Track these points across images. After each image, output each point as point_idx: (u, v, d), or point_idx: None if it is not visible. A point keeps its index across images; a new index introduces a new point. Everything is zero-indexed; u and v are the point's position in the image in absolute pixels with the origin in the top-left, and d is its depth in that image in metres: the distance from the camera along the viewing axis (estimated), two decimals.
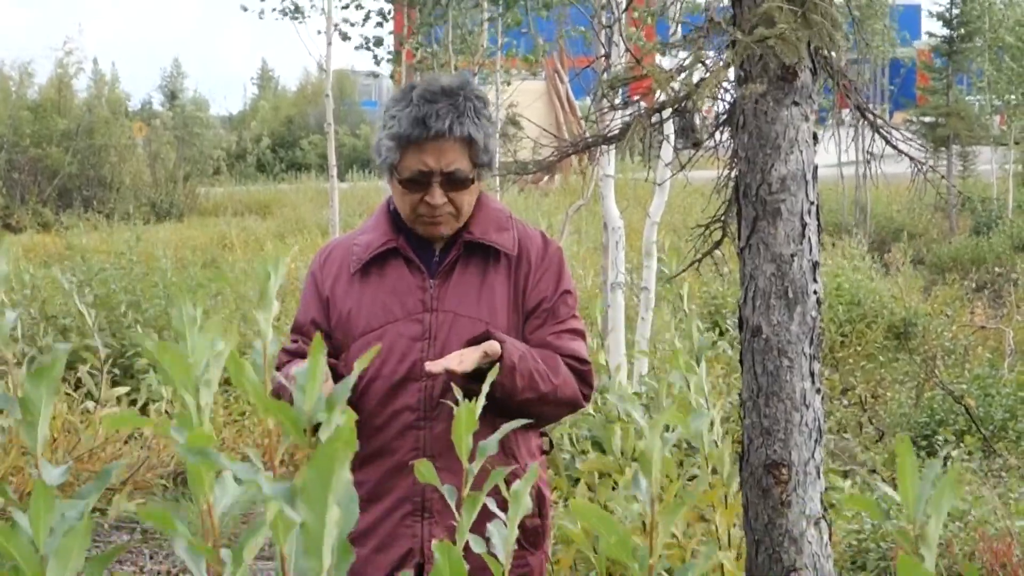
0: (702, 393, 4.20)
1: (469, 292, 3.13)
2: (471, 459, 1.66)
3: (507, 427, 1.77)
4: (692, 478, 4.87)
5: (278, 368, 3.18)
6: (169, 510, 1.08)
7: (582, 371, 3.14)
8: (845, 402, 8.98)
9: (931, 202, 19.00)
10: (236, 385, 1.21)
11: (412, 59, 11.89)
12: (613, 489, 4.73)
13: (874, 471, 6.83)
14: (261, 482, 0.99)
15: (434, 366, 2.90)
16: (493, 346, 2.96)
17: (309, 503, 0.91)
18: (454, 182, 3.07)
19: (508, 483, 3.00)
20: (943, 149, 20.42)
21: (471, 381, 2.90)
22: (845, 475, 6.45)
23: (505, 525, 1.58)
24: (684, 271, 4.39)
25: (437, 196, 3.07)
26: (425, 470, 1.66)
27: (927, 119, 21.66)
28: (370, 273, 3.18)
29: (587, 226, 17.28)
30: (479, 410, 1.67)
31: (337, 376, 3.03)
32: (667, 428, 1.58)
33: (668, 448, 1.54)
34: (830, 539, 3.63)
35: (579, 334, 3.21)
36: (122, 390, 7.62)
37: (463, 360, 2.91)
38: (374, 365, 3.08)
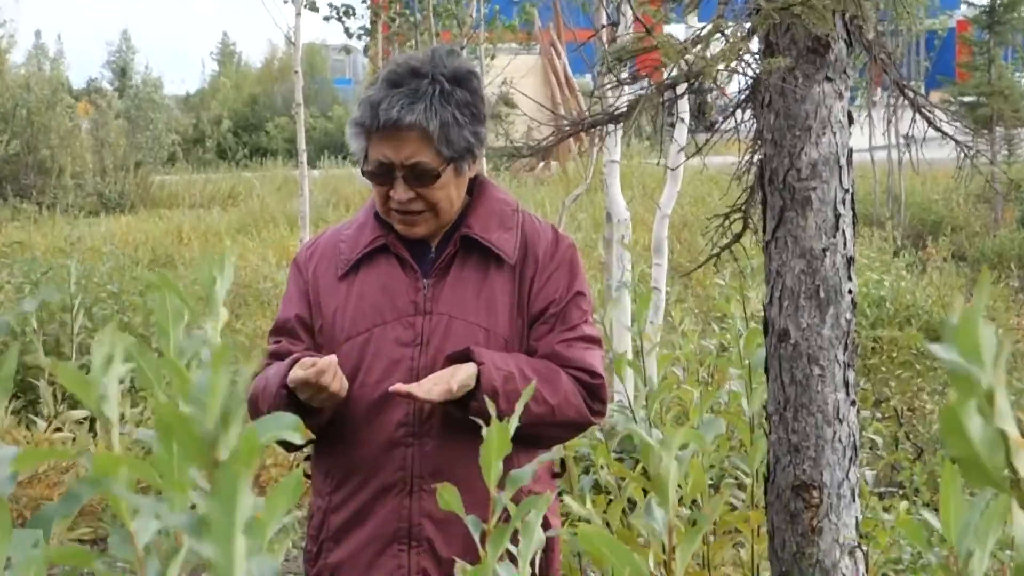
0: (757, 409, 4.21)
1: (467, 293, 3.11)
2: (499, 487, 1.63)
3: (541, 457, 1.75)
4: (735, 509, 4.85)
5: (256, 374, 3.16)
6: (85, 551, 1.06)
7: (592, 385, 3.10)
8: (878, 415, 8.96)
9: (974, 191, 19.00)
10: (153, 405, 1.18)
11: (388, 31, 11.85)
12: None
13: (917, 491, 6.81)
14: (162, 512, 0.94)
15: (399, 388, 2.88)
16: (467, 372, 2.95)
17: (216, 536, 0.86)
18: (418, 176, 3.05)
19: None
20: (985, 132, 20.40)
21: (450, 404, 2.90)
22: (880, 497, 6.44)
23: (515, 562, 1.55)
24: (700, 267, 4.37)
25: (400, 191, 3.06)
26: (448, 496, 1.64)
27: (967, 98, 21.64)
28: (358, 271, 3.17)
29: (588, 217, 17.28)
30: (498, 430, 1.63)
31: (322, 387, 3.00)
32: (683, 446, 1.56)
33: (684, 469, 1.52)
34: (867, 570, 3.61)
35: (593, 342, 3.17)
36: (80, 413, 7.59)
37: (431, 390, 2.88)
38: (359, 372, 3.06)
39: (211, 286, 1.23)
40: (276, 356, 3.15)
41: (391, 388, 2.90)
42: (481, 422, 1.75)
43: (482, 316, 3.09)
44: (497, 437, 1.57)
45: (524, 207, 3.32)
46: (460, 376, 2.92)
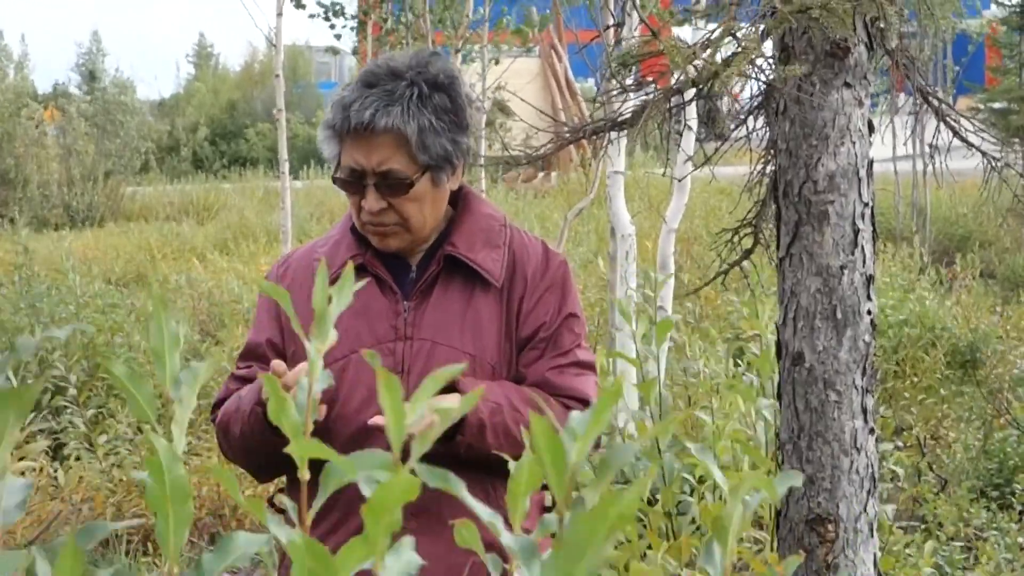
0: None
1: (451, 316, 3.09)
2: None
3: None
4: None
5: (222, 400, 3.16)
6: None
7: None
8: (899, 444, 8.96)
9: (1004, 205, 18.98)
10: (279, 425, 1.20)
11: (379, 32, 11.86)
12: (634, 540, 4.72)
13: (941, 526, 6.82)
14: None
15: (378, 421, 2.86)
16: (451, 403, 2.92)
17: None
18: (390, 185, 3.03)
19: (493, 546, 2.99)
20: (1016, 141, 20.36)
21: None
22: (904, 532, 6.44)
23: None
24: (707, 284, 4.38)
25: (371, 200, 3.04)
26: (467, 533, 1.62)
27: (996, 105, 21.62)
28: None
29: (591, 231, 17.29)
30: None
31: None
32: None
33: (749, 514, 1.53)
34: None
35: (586, 367, 3.15)
36: (42, 444, 7.61)
37: (412, 423, 2.85)
38: (335, 402, 3.04)
39: (324, 303, 1.23)
40: (246, 382, 3.14)
41: (370, 422, 2.88)
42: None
43: (468, 341, 3.07)
44: (528, 471, 1.55)
45: (514, 222, 3.31)
46: (444, 410, 2.90)
